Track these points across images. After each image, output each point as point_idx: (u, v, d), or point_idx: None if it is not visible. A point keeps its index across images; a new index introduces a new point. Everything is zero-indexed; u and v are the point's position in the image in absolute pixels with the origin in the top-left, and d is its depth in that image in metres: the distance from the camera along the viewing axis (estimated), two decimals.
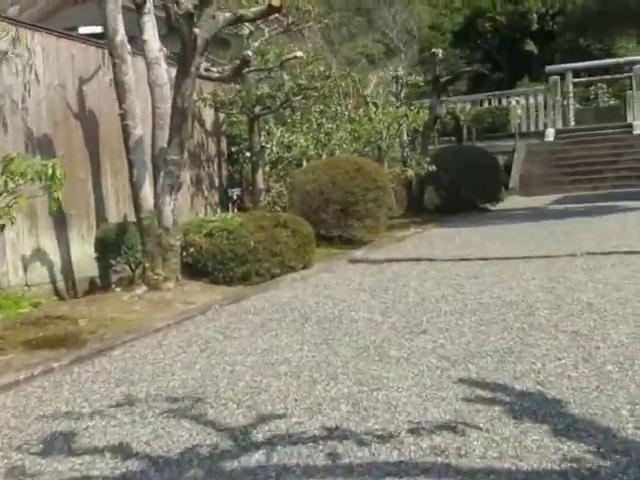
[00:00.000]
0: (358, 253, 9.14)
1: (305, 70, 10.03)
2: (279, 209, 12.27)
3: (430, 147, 18.03)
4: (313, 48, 22.31)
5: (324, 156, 15.00)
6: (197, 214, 10.34)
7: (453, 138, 24.00)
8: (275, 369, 4.09)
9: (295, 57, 8.78)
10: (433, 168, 13.07)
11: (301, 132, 14.37)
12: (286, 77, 9.62)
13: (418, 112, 16.74)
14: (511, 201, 18.71)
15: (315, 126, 14.81)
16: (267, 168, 12.90)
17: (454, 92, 31.94)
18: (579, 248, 8.19)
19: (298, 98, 10.34)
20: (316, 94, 10.29)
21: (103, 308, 6.14)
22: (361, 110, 15.05)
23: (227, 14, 7.42)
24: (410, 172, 12.88)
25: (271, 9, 7.15)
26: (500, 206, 16.28)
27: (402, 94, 16.54)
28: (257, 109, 10.37)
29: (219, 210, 11.01)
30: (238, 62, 7.98)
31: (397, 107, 16.53)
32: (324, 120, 14.80)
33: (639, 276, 6.15)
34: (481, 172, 15.42)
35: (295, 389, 3.69)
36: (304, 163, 13.83)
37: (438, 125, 18.66)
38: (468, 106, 30.44)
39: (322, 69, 10.45)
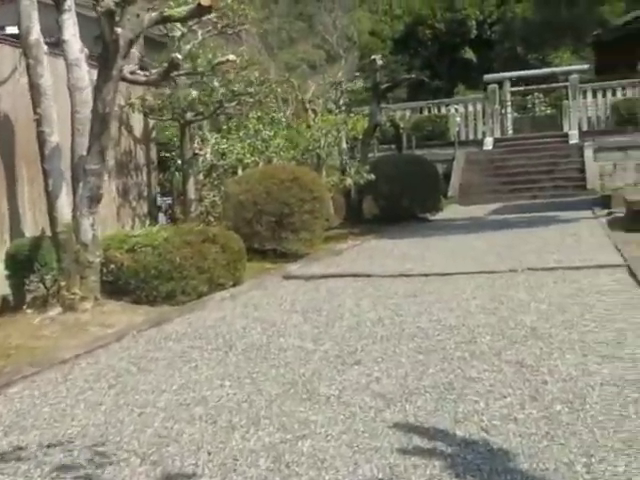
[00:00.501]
0: (293, 268, 8.72)
1: (239, 75, 9.57)
2: (212, 220, 11.78)
3: (370, 155, 17.79)
4: (250, 52, 21.85)
5: (261, 163, 14.58)
6: (124, 226, 9.77)
7: (393, 146, 23.79)
8: (190, 411, 3.63)
9: (228, 61, 8.31)
10: (372, 177, 12.75)
11: (237, 139, 13.92)
12: (216, 83, 9.14)
13: (358, 119, 16.50)
14: (451, 210, 18.59)
15: (252, 132, 14.36)
16: (201, 176, 12.42)
17: (394, 99, 31.69)
18: (520, 263, 7.95)
19: (232, 104, 9.88)
20: (251, 100, 9.82)
21: (9, 334, 5.57)
22: (300, 119, 14.68)
23: (153, 13, 6.94)
24: (349, 181, 12.54)
25: (201, 9, 6.68)
26: (440, 216, 16.10)
27: (341, 101, 16.22)
28: (189, 115, 9.87)
29: (148, 221, 10.47)
30: (166, 65, 7.50)
31: (336, 114, 16.22)
32: (261, 126, 14.37)
33: (582, 295, 5.89)
34: (421, 181, 15.20)
35: (210, 438, 3.24)
36: (239, 171, 13.40)
37: (378, 133, 18.41)
38: (408, 113, 30.40)
39: (257, 74, 9.99)
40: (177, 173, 11.23)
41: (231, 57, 8.32)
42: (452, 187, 21.93)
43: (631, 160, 21.84)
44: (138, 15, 6.69)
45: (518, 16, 45.53)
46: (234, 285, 7.37)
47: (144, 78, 7.71)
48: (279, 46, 60.97)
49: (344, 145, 15.87)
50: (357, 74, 22.45)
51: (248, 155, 13.95)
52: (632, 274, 6.69)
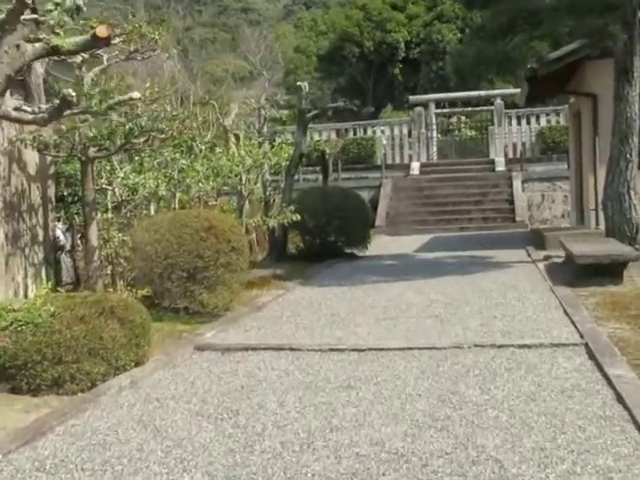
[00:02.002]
0: (208, 334, 7.62)
1: (148, 109, 8.44)
2: (120, 263, 10.60)
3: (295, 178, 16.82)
4: (166, 77, 20.67)
5: (177, 195, 13.44)
6: (13, 279, 8.48)
7: (318, 168, 22.95)
8: None
9: (131, 99, 7.20)
10: (297, 218, 11.75)
11: (151, 170, 12.74)
12: (120, 119, 7.98)
13: (281, 148, 15.53)
14: (378, 242, 17.82)
15: (169, 161, 13.21)
16: (109, 214, 11.23)
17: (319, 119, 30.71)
18: (464, 332, 7.10)
19: (140, 140, 8.71)
20: (162, 136, 8.69)
21: None
22: (218, 149, 13.58)
23: (37, 44, 5.77)
24: (272, 222, 11.50)
25: (96, 40, 5.57)
26: (368, 250, 15.26)
27: (264, 128, 15.23)
28: (92, 151, 8.65)
29: (44, 271, 9.20)
30: (57, 102, 6.33)
31: (259, 143, 15.22)
32: (178, 155, 13.23)
33: (545, 397, 5.02)
34: (348, 215, 14.39)
35: None
36: (152, 208, 12.24)
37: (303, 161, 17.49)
38: (333, 135, 29.66)
39: (169, 109, 8.87)
40: (78, 214, 10.01)
41: (134, 95, 7.19)
42: (379, 216, 21.21)
43: (559, 191, 21.57)
44: (18, 46, 5.52)
45: (446, 37, 45.89)
46: (137, 364, 6.23)
47: (31, 116, 6.50)
48: (203, 57, 59.58)
49: (267, 176, 14.88)
50: (278, 96, 21.58)
51: (163, 187, 12.80)
52: (592, 357, 5.89)
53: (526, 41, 11.29)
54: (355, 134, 29.91)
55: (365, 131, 30.32)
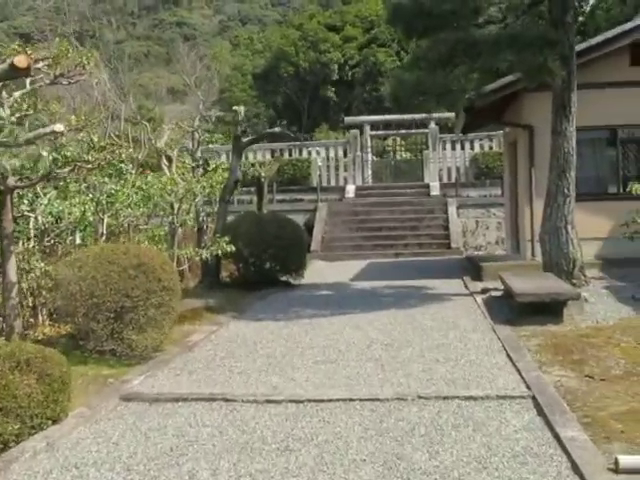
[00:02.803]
0: (136, 381, 7.10)
1: (74, 139, 7.92)
2: (42, 295, 9.97)
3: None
4: (97, 94, 20.02)
5: (106, 220, 12.84)
6: None
7: (252, 189, 22.50)
8: None
9: (53, 132, 6.69)
10: (232, 249, 11.31)
11: (77, 195, 12.14)
12: (42, 151, 7.45)
13: (215, 171, 15.12)
14: (314, 268, 17.55)
15: (96, 185, 12.63)
16: (31, 243, 10.63)
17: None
18: (407, 382, 6.79)
19: (65, 170, 8.17)
20: (89, 166, 8.16)
21: None
22: (149, 172, 13.08)
23: None
24: (205, 254, 11.02)
25: (15, 70, 5.08)
26: (304, 278, 14.90)
27: (198, 152, 14.76)
28: (11, 181, 8.06)
29: None
30: None
31: (192, 167, 14.77)
32: (106, 179, 12.66)
33: (497, 464, 4.73)
34: (283, 244, 14.00)
35: None
36: (77, 236, 11.64)
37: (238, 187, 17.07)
38: (268, 155, 29.34)
39: (95, 139, 8.35)
40: None
41: (57, 127, 6.68)
42: (315, 240, 20.94)
43: (493, 218, 21.71)
44: None
45: (380, 60, 46.25)
46: (55, 421, 5.69)
47: None
48: (138, 70, 58.46)
49: (200, 202, 14.41)
50: (212, 116, 21.11)
51: (90, 213, 12.21)
52: (541, 413, 5.66)
53: (465, 73, 11.17)
54: (290, 155, 29.67)
55: (300, 152, 30.11)
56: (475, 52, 10.88)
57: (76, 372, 7.35)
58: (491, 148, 28.89)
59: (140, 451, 5.21)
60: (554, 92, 11.75)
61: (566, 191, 11.71)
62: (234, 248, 11.33)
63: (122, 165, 13.70)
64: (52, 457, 5.15)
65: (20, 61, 4.95)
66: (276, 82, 51.14)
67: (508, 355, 7.65)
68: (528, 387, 6.37)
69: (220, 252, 11.32)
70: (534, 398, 6.03)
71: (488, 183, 25.92)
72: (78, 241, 11.39)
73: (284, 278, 14.62)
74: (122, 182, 13.23)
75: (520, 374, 6.83)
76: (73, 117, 7.78)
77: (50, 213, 10.54)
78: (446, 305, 11.25)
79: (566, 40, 11.33)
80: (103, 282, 7.63)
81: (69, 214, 11.25)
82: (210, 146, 21.45)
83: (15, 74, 5.21)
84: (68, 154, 7.73)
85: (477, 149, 28.84)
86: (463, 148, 29.05)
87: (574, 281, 11.58)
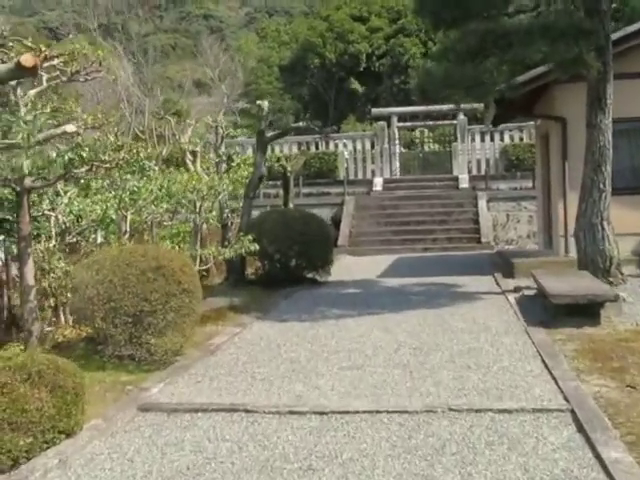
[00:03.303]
0: (155, 389, 6.86)
1: (90, 137, 7.68)
2: (64, 294, 9.78)
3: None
4: (121, 89, 19.81)
5: (129, 217, 12.66)
6: None
7: (279, 183, 22.20)
8: None
9: (65, 133, 6.44)
10: (256, 248, 11.04)
11: (98, 193, 11.96)
12: (55, 152, 7.21)
13: (239, 167, 14.87)
14: (341, 264, 17.23)
15: (119, 182, 12.43)
16: (52, 242, 10.45)
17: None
18: (437, 391, 6.46)
19: (82, 170, 7.93)
20: (107, 166, 7.92)
21: None
22: (171, 168, 12.85)
23: None
24: (228, 254, 10.76)
25: (22, 70, 4.82)
26: (330, 276, 14.59)
27: (222, 148, 14.50)
28: (28, 181, 7.85)
29: None
30: None
31: (216, 163, 14.53)
32: (129, 176, 12.47)
33: None
34: (310, 240, 13.72)
35: None
36: (99, 235, 11.47)
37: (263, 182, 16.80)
38: (295, 148, 29.05)
39: (112, 139, 8.08)
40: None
41: (68, 128, 6.44)
42: (342, 235, 20.60)
43: (524, 212, 21.21)
44: None
45: (409, 51, 45.64)
46: (69, 435, 5.46)
47: None
48: (165, 63, 58.48)
49: (225, 198, 14.16)
50: (238, 109, 20.81)
51: (112, 211, 12.03)
52: (581, 429, 5.30)
53: (496, 65, 10.74)
54: (317, 148, 29.34)
55: (327, 145, 29.76)
56: (506, 43, 10.45)
57: (94, 378, 7.17)
58: (521, 139, 28.31)
59: (155, 469, 4.96)
60: (589, 84, 11.29)
61: (602, 186, 11.26)
62: (258, 247, 11.03)
63: (145, 162, 13.54)
64: (64, 475, 4.92)
65: (27, 60, 4.68)
66: (302, 74, 50.76)
67: (543, 361, 7.28)
68: (566, 399, 6.00)
69: (244, 251, 11.03)
70: (573, 412, 5.68)
71: (519, 175, 25.40)
72: (100, 240, 11.22)
73: (310, 275, 14.35)
74: (145, 179, 13.06)
75: (557, 383, 6.46)
76: (89, 116, 7.49)
77: (71, 212, 10.34)
78: (477, 305, 10.88)
79: (601, 29, 10.86)
80: (121, 285, 7.40)
81: (90, 212, 11.08)
82: (238, 139, 21.19)
83: (22, 74, 4.95)
84: (84, 154, 7.46)
85: (507, 140, 28.28)
86: (492, 139, 28.51)
87: (610, 279, 11.15)
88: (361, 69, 48.48)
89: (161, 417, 6.11)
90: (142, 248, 7.89)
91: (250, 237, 10.94)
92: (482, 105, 26.75)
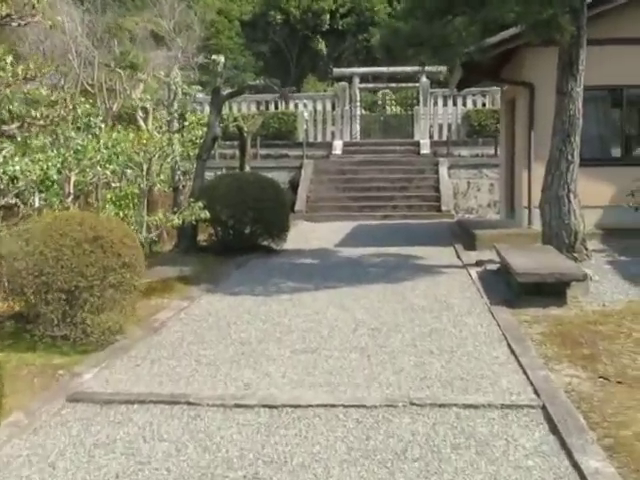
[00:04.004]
0: (88, 375, 6.23)
1: (20, 91, 6.89)
2: None
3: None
4: (67, 40, 18.65)
5: (73, 178, 11.89)
6: None
7: (236, 143, 21.38)
8: None
9: None
10: (207, 215, 10.36)
11: (41, 151, 11.14)
12: None
13: (192, 128, 14.10)
14: (298, 230, 16.66)
15: (62, 141, 11.64)
16: None
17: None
18: (397, 380, 5.96)
19: (13, 126, 7.16)
20: (40, 122, 7.15)
21: None
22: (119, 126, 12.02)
23: None
24: (177, 221, 10.06)
25: None
26: (286, 244, 13.99)
27: (175, 105, 13.66)
28: None
29: None
30: None
31: (167, 121, 13.72)
32: (73, 134, 11.65)
33: None
34: (265, 206, 13.09)
35: None
36: (37, 198, 10.68)
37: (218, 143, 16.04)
38: (253, 107, 28.16)
39: (45, 92, 7.27)
40: None
41: None
42: (300, 200, 20.00)
43: (485, 179, 20.81)
44: None
45: (375, 8, 44.60)
46: None
47: None
48: (122, 14, 56.70)
49: (177, 157, 13.38)
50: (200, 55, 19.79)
51: (54, 171, 11.23)
52: (555, 431, 4.84)
53: (466, 25, 10.14)
54: (277, 108, 28.47)
55: (287, 105, 28.90)
56: (478, 1, 9.83)
57: (22, 360, 6.56)
58: (484, 105, 27.86)
59: (80, 478, 4.36)
60: (561, 48, 10.77)
61: (570, 157, 10.82)
62: (209, 215, 10.36)
63: (91, 118, 12.68)
64: None
65: None
66: (264, 30, 49.41)
67: (509, 346, 6.84)
68: (536, 392, 5.55)
69: (193, 219, 10.34)
70: (544, 408, 5.22)
71: (480, 142, 24.99)
72: (38, 203, 10.44)
73: (265, 243, 13.73)
74: (90, 137, 12.25)
75: (525, 373, 6.01)
76: (20, 66, 6.69)
77: (4, 172, 9.52)
78: (438, 280, 10.41)
79: None
80: (54, 258, 6.71)
81: (29, 172, 10.25)
82: (199, 96, 20.23)
83: None
84: (13, 108, 6.68)
85: (470, 106, 27.79)
86: (455, 104, 27.99)
87: (575, 254, 10.79)
88: (325, 28, 47.32)
89: (92, 409, 5.49)
90: (79, 216, 7.18)
91: (200, 204, 10.23)
92: (445, 68, 26.39)
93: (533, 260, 9.28)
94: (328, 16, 46.39)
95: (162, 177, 10.67)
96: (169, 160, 11.73)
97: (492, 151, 23.24)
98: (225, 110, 27.47)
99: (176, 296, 9.51)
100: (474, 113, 26.72)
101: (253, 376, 6.18)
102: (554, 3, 9.66)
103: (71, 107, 7.40)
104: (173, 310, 8.67)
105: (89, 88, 17.03)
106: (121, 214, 9.20)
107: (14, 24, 7.37)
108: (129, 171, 12.37)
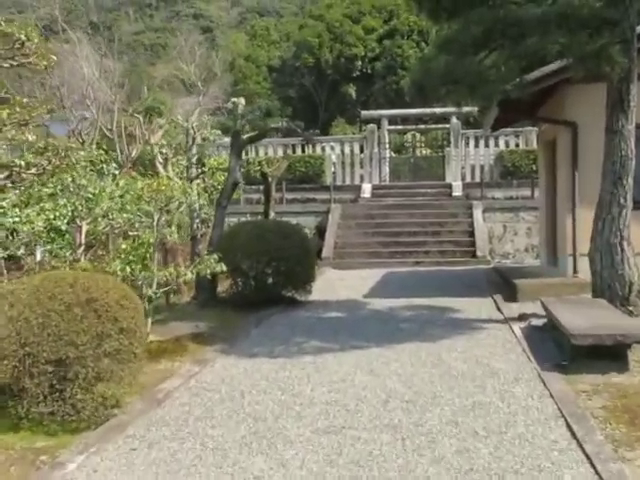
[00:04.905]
0: (72, 465, 5.31)
1: (4, 139, 6.15)
2: None
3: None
4: (85, 85, 18.21)
5: (84, 228, 11.19)
6: None
7: (262, 187, 20.65)
8: None
9: None
10: (222, 268, 9.50)
11: (43, 200, 10.43)
12: None
13: (213, 174, 13.38)
14: (325, 278, 15.79)
15: (72, 189, 10.97)
16: None
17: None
18: (437, 472, 4.97)
19: (1, 176, 6.40)
20: (32, 171, 6.39)
21: None
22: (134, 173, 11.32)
23: None
24: (189, 275, 9.20)
25: None
26: (312, 293, 13.08)
27: (194, 150, 12.95)
28: None
29: None
30: None
31: (186, 167, 13.01)
32: (84, 181, 10.97)
33: None
34: (288, 256, 12.24)
35: None
36: (38, 251, 9.97)
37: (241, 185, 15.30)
38: (280, 151, 27.54)
39: (30, 137, 6.50)
40: None
41: None
42: (327, 246, 19.09)
43: (522, 223, 19.77)
44: None
45: (405, 53, 44.18)
46: None
47: None
48: (153, 62, 57.03)
49: (196, 205, 12.64)
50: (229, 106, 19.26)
51: (62, 220, 10.53)
52: None
53: (505, 59, 9.28)
54: (303, 151, 27.86)
55: (314, 148, 28.28)
56: (517, 33, 9.00)
57: (2, 444, 5.66)
58: (517, 145, 26.96)
59: None
60: (609, 84, 9.84)
61: (622, 201, 9.82)
62: (225, 268, 9.49)
63: (103, 165, 12.05)
64: None
65: None
66: (292, 74, 49.29)
67: (569, 426, 5.80)
68: None
69: (208, 273, 9.47)
70: None
71: (515, 183, 24.02)
72: (40, 256, 9.69)
73: (289, 294, 12.85)
74: (102, 184, 11.58)
75: (593, 465, 4.97)
76: (5, 110, 5.95)
77: (2, 225, 8.80)
78: (478, 337, 9.39)
79: (626, 20, 9.41)
80: (40, 325, 5.87)
81: (30, 224, 9.53)
82: (226, 139, 19.62)
83: None
84: None
85: (502, 146, 26.88)
86: (487, 145, 27.12)
87: (630, 308, 9.72)
88: (356, 73, 46.99)
89: None
90: (71, 276, 6.33)
91: (216, 256, 9.36)
92: (476, 109, 25.52)
93: (586, 317, 8.24)
94: (360, 62, 46.10)
95: (173, 228, 9.76)
96: (184, 208, 10.95)
97: (528, 193, 22.26)
98: (251, 154, 27.05)
99: (188, 359, 8.62)
100: (507, 154, 25.78)
101: (265, 466, 5.22)
102: (603, 33, 8.77)
103: (63, 154, 6.60)
104: (182, 377, 7.76)
105: (108, 134, 16.46)
106: (128, 269, 8.33)
107: (5, 65, 6.68)
108: (143, 220, 11.65)
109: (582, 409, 6.26)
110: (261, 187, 20.28)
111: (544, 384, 7.04)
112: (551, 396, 6.64)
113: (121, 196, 11.54)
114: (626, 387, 6.87)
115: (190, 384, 7.54)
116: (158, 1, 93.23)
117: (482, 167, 26.37)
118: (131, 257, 8.72)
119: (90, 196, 11.15)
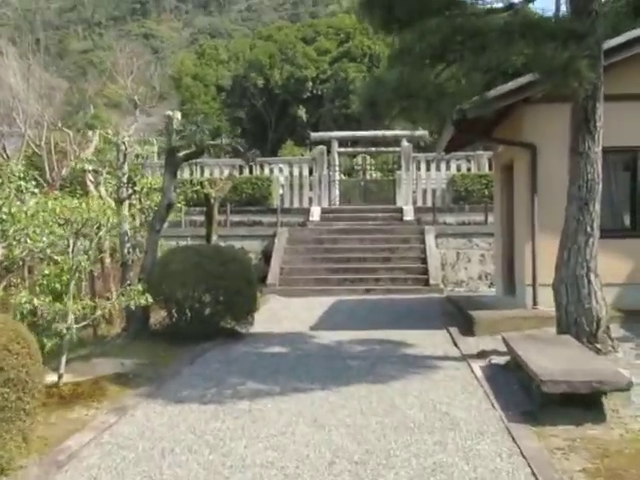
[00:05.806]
0: None
1: None
2: None
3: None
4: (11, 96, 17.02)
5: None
6: None
7: (205, 209, 19.52)
8: None
9: None
10: (148, 301, 8.40)
11: None
12: None
13: (148, 194, 12.29)
14: (269, 308, 14.78)
15: None
16: None
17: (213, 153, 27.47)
18: None
19: None
20: None
21: None
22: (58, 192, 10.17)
23: None
24: (108, 308, 8.05)
25: None
26: (255, 324, 12.03)
27: (125, 167, 11.84)
28: None
29: None
30: None
31: (116, 186, 11.90)
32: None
33: None
34: (228, 284, 11.21)
35: None
36: None
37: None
38: (226, 172, 26.45)
39: None
40: None
41: None
42: (272, 272, 18.09)
43: (476, 249, 19.07)
44: None
45: (350, 76, 43.70)
46: None
47: None
48: (100, 80, 55.47)
49: (126, 227, 11.52)
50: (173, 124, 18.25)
51: None
52: None
53: (466, 72, 8.47)
54: (251, 172, 26.85)
55: (262, 168, 27.31)
56: (478, 44, 8.19)
57: None
58: (469, 170, 26.44)
59: None
60: (575, 102, 9.12)
61: (589, 229, 9.08)
62: (151, 300, 8.40)
63: (22, 182, 10.85)
64: None
65: None
66: (242, 95, 48.41)
67: None
68: None
69: (132, 305, 8.36)
70: None
71: (468, 208, 23.41)
72: None
73: (229, 325, 11.76)
74: (18, 204, 10.38)
75: None
76: None
77: None
78: (434, 378, 8.47)
79: (593, 34, 8.71)
80: None
81: None
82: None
83: None
84: None
85: (454, 170, 26.32)
86: (439, 169, 26.54)
87: (598, 345, 8.99)
88: (307, 95, 46.37)
89: None
90: None
91: (140, 287, 8.27)
92: (427, 133, 24.88)
93: (555, 358, 7.39)
94: (311, 83, 45.52)
95: (90, 253, 8.60)
96: (113, 231, 9.85)
97: (481, 218, 21.63)
98: (196, 174, 25.96)
99: (106, 405, 7.47)
100: (460, 178, 25.21)
101: None
102: (570, 46, 8.03)
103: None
104: (95, 430, 6.61)
105: (35, 149, 15.23)
106: (36, 301, 7.19)
107: None
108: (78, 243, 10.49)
109: (560, 473, 5.35)
110: (205, 209, 19.20)
111: (513, 439, 6.12)
112: (522, 455, 5.72)
113: (32, 216, 10.34)
114: (607, 443, 5.99)
115: (103, 439, 6.40)
116: (107, 20, 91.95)
117: (434, 191, 25.75)
118: (54, 284, 7.60)
119: (3, 217, 9.95)
